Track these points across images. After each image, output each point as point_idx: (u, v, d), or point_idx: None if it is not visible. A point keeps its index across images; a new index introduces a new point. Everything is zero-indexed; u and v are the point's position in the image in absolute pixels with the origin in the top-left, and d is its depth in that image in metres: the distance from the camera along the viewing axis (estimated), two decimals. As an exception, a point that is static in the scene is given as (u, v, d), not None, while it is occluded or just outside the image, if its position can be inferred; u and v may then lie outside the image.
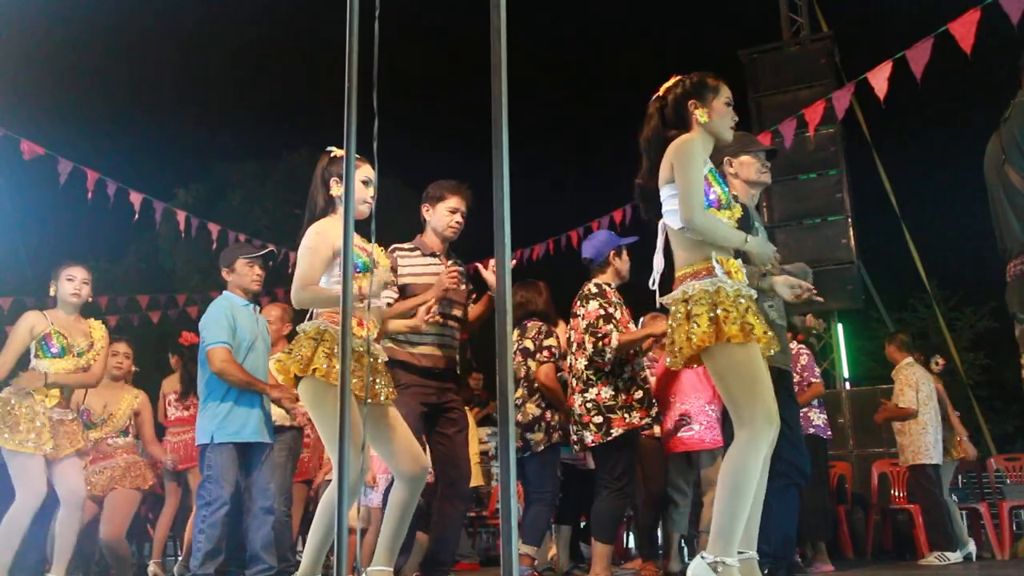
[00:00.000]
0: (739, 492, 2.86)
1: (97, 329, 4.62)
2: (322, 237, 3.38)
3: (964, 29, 5.08)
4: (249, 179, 18.57)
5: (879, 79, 5.69)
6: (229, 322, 4.50)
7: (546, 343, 5.04)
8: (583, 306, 4.53)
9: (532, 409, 4.88)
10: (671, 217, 3.06)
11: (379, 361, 3.46)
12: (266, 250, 4.77)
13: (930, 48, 5.31)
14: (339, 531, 1.84)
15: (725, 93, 3.18)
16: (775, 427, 2.94)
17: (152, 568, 5.95)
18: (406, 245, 4.27)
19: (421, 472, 3.48)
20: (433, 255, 4.26)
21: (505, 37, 1.65)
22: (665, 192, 3.07)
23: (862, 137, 8.83)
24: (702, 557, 2.88)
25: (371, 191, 3.48)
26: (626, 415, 4.38)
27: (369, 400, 3.31)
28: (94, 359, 4.55)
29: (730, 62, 9.20)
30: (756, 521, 3.02)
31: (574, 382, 4.56)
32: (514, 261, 6.39)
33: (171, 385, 6.12)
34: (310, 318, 3.43)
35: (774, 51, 9.30)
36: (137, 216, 8.01)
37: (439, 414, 4.15)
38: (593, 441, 4.41)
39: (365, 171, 3.47)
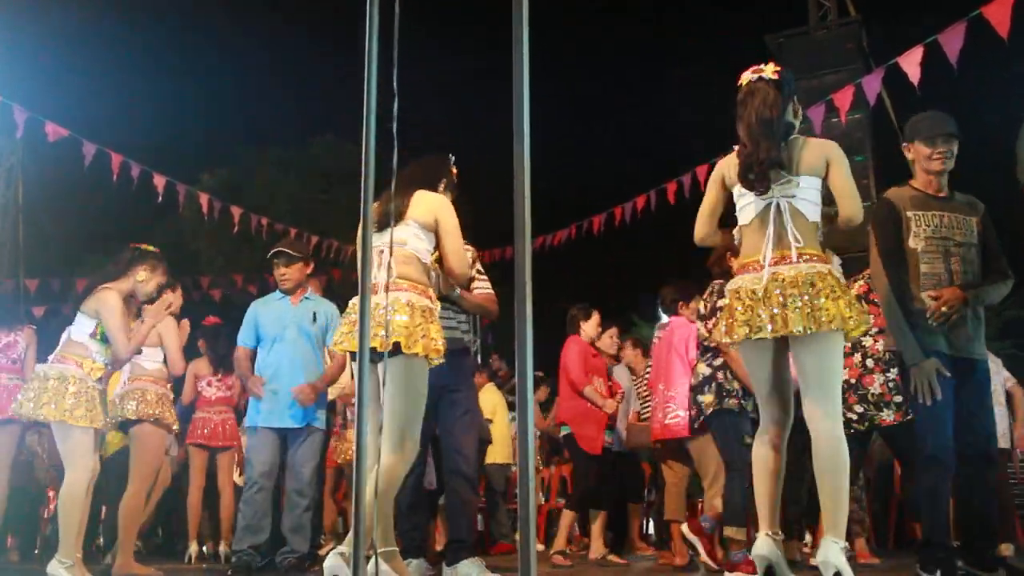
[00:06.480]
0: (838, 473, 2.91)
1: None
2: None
3: (1000, 13, 4.96)
4: (273, 165, 18.61)
5: (910, 64, 5.55)
6: (250, 321, 4.96)
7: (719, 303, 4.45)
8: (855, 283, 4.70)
9: (702, 368, 4.56)
10: (807, 206, 3.04)
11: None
12: (274, 249, 4.96)
13: (963, 32, 5.20)
14: (358, 506, 1.83)
15: None
16: None
17: (192, 548, 6.02)
18: None
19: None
20: None
21: (528, 19, 1.62)
22: (808, 182, 3.05)
23: (889, 122, 8.69)
24: (834, 542, 2.82)
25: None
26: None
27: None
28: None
29: (756, 46, 9.08)
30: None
31: (871, 363, 4.58)
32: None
33: (198, 367, 6.15)
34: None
35: (801, 36, 9.19)
36: (160, 199, 8.07)
37: (443, 397, 4.12)
38: (894, 420, 4.44)
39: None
